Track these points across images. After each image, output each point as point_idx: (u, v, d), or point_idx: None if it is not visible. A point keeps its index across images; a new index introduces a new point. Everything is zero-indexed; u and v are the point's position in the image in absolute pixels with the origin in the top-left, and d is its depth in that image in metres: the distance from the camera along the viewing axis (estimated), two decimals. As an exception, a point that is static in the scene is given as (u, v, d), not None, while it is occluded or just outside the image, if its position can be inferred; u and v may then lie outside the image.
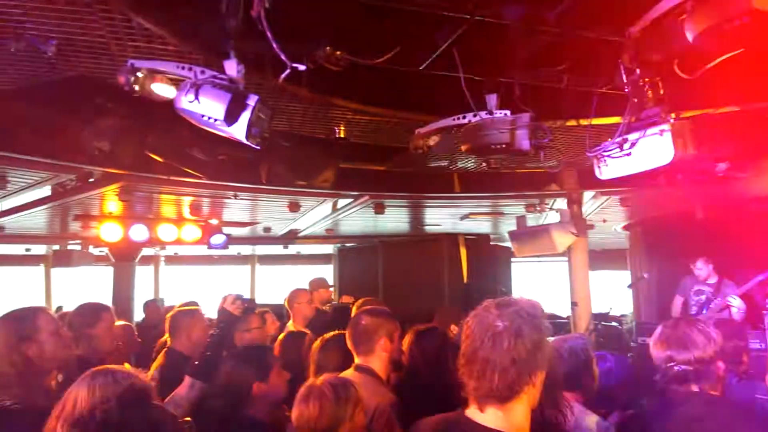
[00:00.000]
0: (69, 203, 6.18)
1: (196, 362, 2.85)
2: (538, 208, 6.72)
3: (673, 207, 7.36)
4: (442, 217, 8.12)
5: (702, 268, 6.01)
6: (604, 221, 7.67)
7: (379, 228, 9.16)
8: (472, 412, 1.51)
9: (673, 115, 2.85)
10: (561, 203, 6.59)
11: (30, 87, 3.48)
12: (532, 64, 3.27)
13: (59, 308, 7.88)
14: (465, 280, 7.89)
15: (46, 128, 4.12)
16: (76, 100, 3.91)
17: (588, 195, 6.54)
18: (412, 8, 2.67)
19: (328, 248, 11.67)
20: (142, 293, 9.33)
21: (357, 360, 2.68)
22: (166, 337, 3.53)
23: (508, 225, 7.82)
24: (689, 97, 3.74)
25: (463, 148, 3.29)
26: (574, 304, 6.41)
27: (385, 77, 3.52)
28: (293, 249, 11.50)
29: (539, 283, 12.14)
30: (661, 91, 2.89)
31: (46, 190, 5.61)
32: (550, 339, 2.70)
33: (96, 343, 2.90)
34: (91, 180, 5.13)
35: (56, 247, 9.59)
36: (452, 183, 6.32)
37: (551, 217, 6.98)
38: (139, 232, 6.75)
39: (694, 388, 2.06)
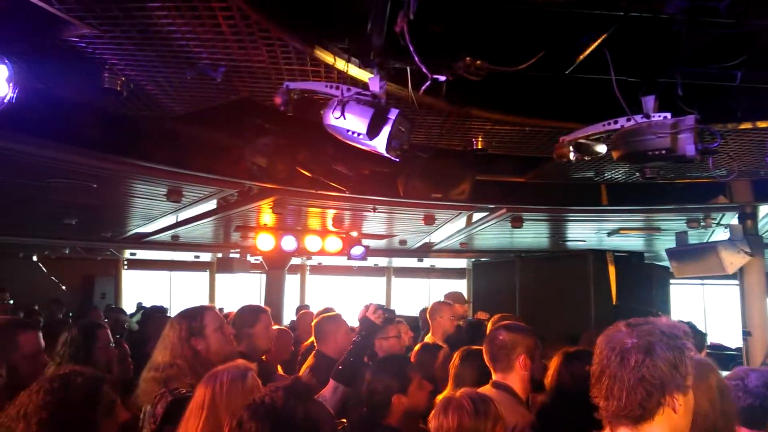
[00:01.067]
0: (231, 215, 6.88)
1: (340, 367, 2.98)
2: (702, 224, 5.98)
3: None
4: (587, 232, 7.59)
5: None
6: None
7: (516, 243, 8.85)
8: None
9: None
10: (731, 218, 5.80)
11: (200, 111, 3.94)
12: (697, 61, 2.94)
13: (220, 310, 8.78)
14: (614, 301, 7.28)
15: (213, 147, 4.65)
16: (239, 121, 4.36)
17: (765, 209, 5.69)
18: (556, 10, 2.54)
19: (462, 263, 11.56)
20: (289, 300, 10.05)
21: (495, 377, 2.59)
22: (311, 340, 3.75)
23: (666, 242, 7.07)
24: None
25: (614, 155, 3.05)
26: (747, 334, 5.58)
27: (528, 84, 3.40)
28: (427, 262, 11.59)
29: (703, 307, 10.78)
30: None
31: (212, 204, 6.30)
32: (727, 372, 2.38)
33: (255, 341, 3.17)
34: (252, 193, 5.66)
35: (219, 255, 10.73)
36: (599, 195, 5.89)
37: (718, 234, 6.17)
38: (289, 243, 7.29)
39: None
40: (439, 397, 2.21)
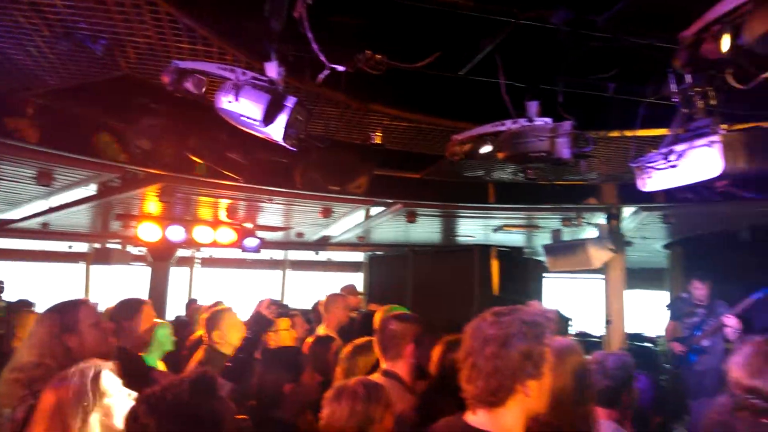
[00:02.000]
0: (111, 202, 6.36)
1: (229, 363, 2.88)
2: (574, 222, 6.55)
3: (718, 226, 7.08)
4: (476, 228, 8.01)
5: (699, 288, 5.86)
6: (644, 239, 7.43)
7: (410, 237, 9.10)
8: (468, 415, 1.58)
9: (724, 127, 2.74)
10: (599, 218, 6.42)
11: (78, 87, 3.60)
12: (577, 71, 3.20)
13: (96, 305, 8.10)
14: (496, 292, 7.75)
15: (92, 127, 4.26)
16: (121, 100, 4.03)
17: (628, 211, 6.36)
18: (454, 11, 2.64)
19: (359, 256, 11.67)
20: (176, 294, 9.51)
21: (384, 365, 2.65)
22: (200, 333, 3.59)
23: (543, 238, 7.66)
24: (742, 108, 3.59)
25: (500, 155, 3.24)
26: (608, 322, 6.22)
27: (425, 82, 3.50)
28: (324, 255, 11.55)
29: (572, 299, 11.84)
30: (712, 101, 2.79)
31: (91, 189, 5.78)
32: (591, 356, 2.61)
33: (134, 335, 2.97)
34: (136, 178, 5.26)
35: (97, 245, 9.88)
36: (487, 193, 6.23)
37: (588, 232, 6.80)
38: (176, 233, 6.88)
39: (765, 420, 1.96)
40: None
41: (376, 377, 2.52)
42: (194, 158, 4.49)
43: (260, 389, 2.53)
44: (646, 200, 5.76)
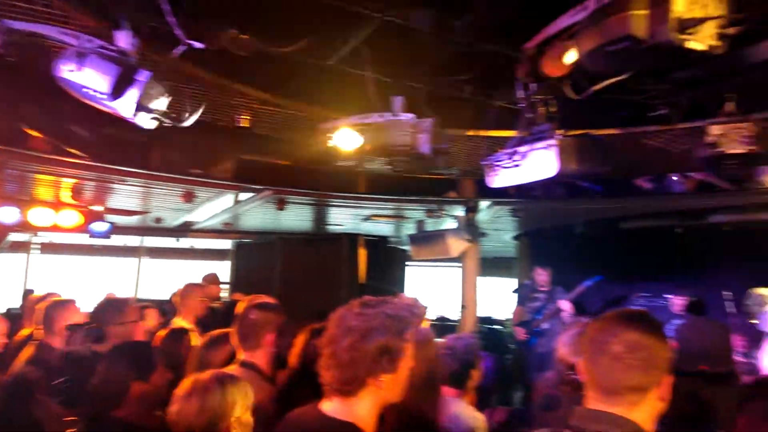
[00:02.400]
0: None
1: (63, 361, 2.61)
2: (437, 214, 6.93)
3: (559, 220, 7.95)
4: (345, 217, 8.11)
5: (541, 275, 6.52)
6: (496, 231, 8.09)
7: (280, 225, 8.95)
8: (324, 402, 1.59)
9: (561, 132, 3.07)
10: (458, 210, 6.85)
11: None
12: (438, 72, 3.38)
13: None
14: (362, 280, 7.94)
15: None
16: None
17: (483, 204, 6.86)
18: (326, 0, 2.64)
19: (226, 243, 11.21)
20: (10, 284, 8.39)
21: (241, 356, 2.59)
22: (29, 330, 3.21)
23: (408, 228, 7.99)
24: (579, 115, 4.06)
25: (367, 147, 3.31)
26: (463, 307, 6.70)
27: (294, 69, 3.45)
28: (187, 242, 10.93)
29: (434, 286, 12.55)
30: (553, 109, 3.11)
31: None
32: (443, 338, 2.79)
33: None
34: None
35: None
36: (357, 183, 6.34)
37: (448, 224, 7.23)
38: (7, 214, 6.04)
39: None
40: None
41: (232, 369, 2.46)
42: (30, 131, 3.97)
43: (103, 386, 2.33)
44: (498, 195, 6.26)
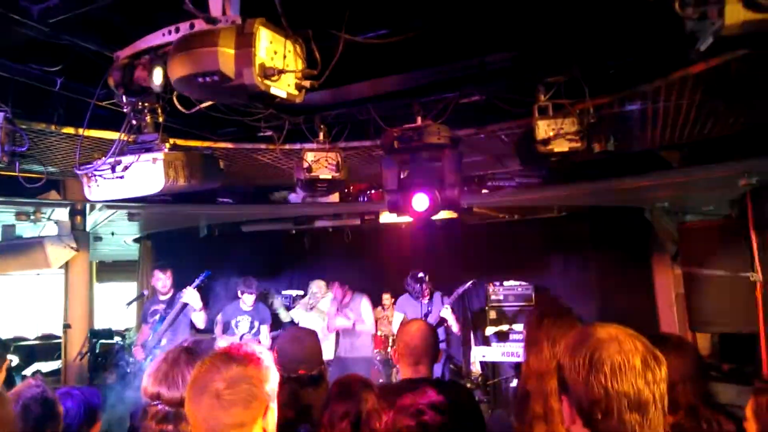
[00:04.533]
0: None
1: None
2: (33, 217, 5.75)
3: (183, 223, 7.76)
4: None
5: (160, 279, 5.83)
6: (113, 234, 7.32)
7: None
8: None
9: (168, 144, 2.92)
10: (62, 213, 5.87)
11: None
12: (16, 57, 2.76)
13: None
14: None
15: None
16: None
17: (96, 206, 6.06)
18: None
19: None
20: None
21: None
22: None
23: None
24: (192, 127, 3.98)
25: None
26: (66, 326, 5.76)
27: None
28: None
29: (34, 299, 10.54)
30: (161, 118, 2.93)
31: None
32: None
33: None
34: None
35: None
36: None
37: (49, 229, 6.11)
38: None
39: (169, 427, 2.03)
40: None
41: None
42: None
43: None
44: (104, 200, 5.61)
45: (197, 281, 5.83)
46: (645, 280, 6.70)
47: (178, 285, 5.96)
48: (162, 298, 5.99)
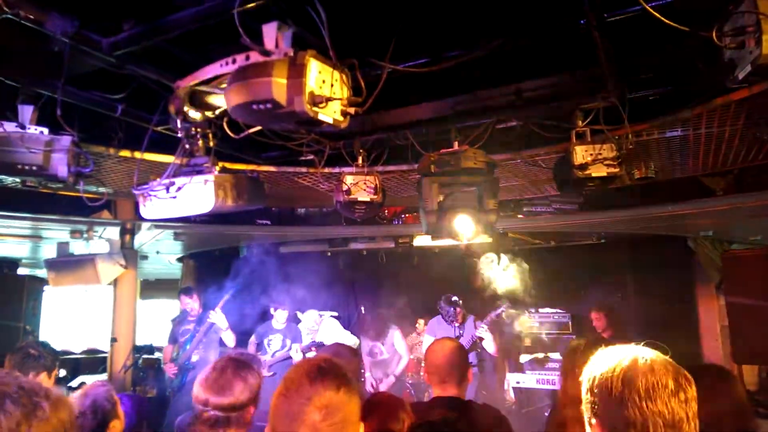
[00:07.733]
0: None
1: None
2: (85, 235, 6.06)
3: (224, 243, 8.02)
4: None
5: (188, 302, 6.10)
6: (158, 253, 7.61)
7: None
8: None
9: (218, 167, 3.09)
10: (113, 232, 6.17)
11: None
12: (82, 84, 2.98)
13: None
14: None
15: None
16: None
17: (144, 225, 6.35)
18: None
19: None
20: None
21: None
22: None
23: (48, 251, 6.77)
24: (239, 151, 4.18)
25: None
26: (113, 340, 6.01)
27: None
28: None
29: (83, 314, 10.96)
30: (212, 143, 3.10)
31: None
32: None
33: None
34: None
35: None
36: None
37: (99, 246, 6.40)
38: None
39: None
40: None
41: None
42: None
43: None
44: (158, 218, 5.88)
45: (222, 302, 6.02)
46: (689, 312, 6.51)
47: (216, 302, 6.14)
48: (191, 318, 6.20)
